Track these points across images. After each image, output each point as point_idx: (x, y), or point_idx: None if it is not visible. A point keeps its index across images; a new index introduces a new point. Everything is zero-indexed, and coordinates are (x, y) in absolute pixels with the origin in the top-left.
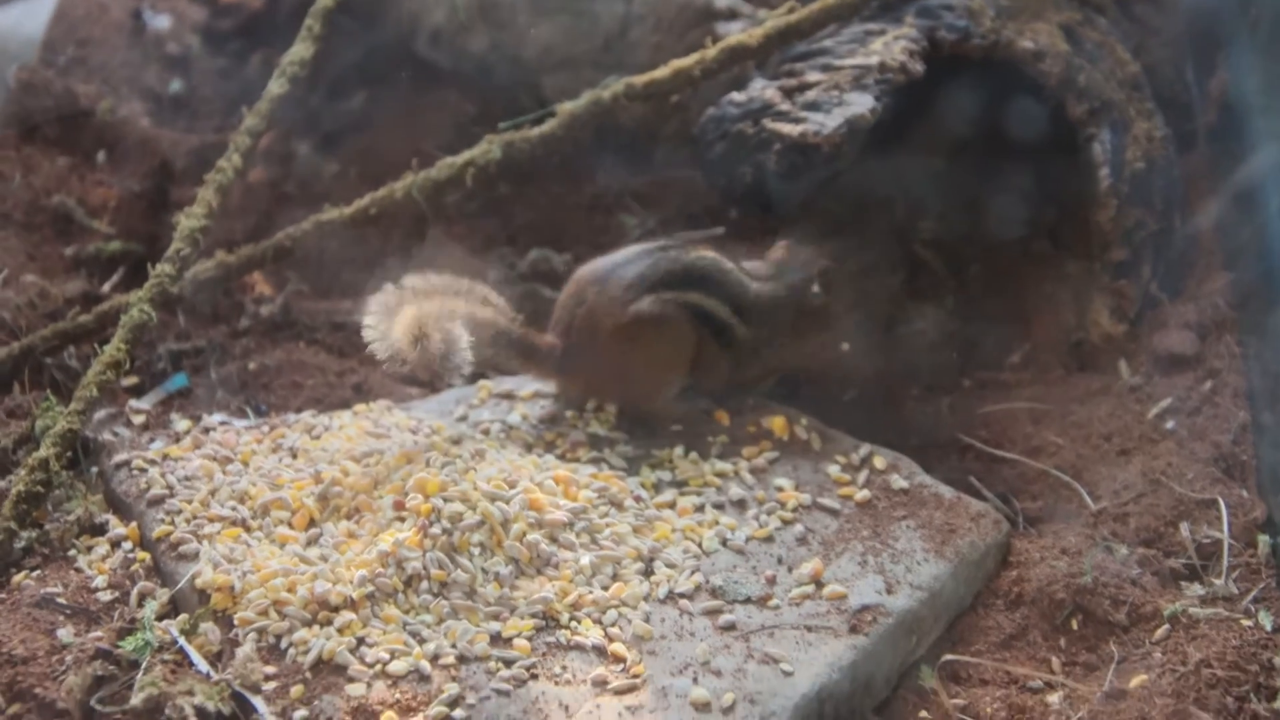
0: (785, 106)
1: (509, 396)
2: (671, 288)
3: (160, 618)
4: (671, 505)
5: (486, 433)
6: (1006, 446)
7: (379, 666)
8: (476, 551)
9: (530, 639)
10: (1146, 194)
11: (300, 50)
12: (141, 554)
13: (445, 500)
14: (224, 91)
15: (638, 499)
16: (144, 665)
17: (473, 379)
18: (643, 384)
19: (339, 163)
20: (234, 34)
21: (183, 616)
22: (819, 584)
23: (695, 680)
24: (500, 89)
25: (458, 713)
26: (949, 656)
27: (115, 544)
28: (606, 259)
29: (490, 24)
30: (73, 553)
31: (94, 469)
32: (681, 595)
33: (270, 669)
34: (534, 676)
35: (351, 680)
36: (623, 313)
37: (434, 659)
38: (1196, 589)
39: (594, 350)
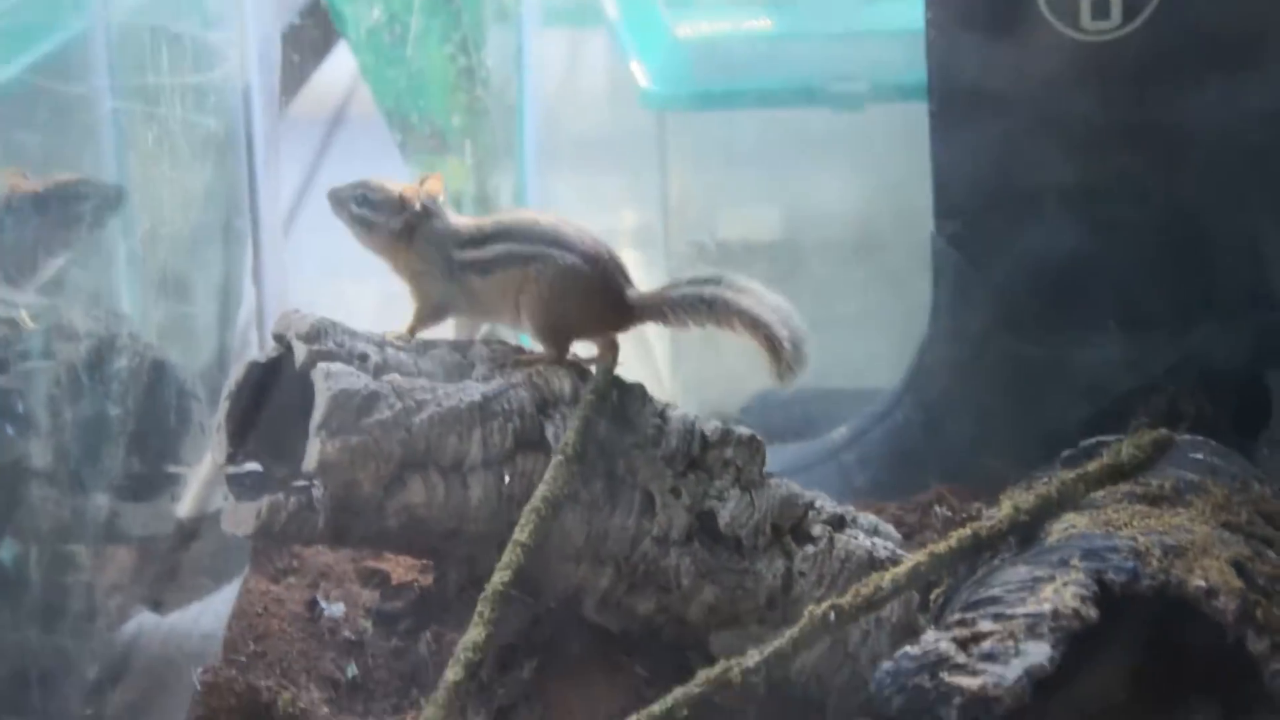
0: (961, 659)
1: None
2: None
3: None
4: None
5: None
6: None
7: None
8: None
9: None
10: None
11: (474, 635)
12: None
13: None
14: (398, 671)
15: None
16: None
17: None
18: None
19: None
20: (404, 613)
21: None
22: None
23: None
24: (668, 649)
25: None
26: None
27: None
28: None
29: (655, 587)
30: None
31: None
32: None
33: None
34: None
35: None
36: None
37: None
38: None
39: None
